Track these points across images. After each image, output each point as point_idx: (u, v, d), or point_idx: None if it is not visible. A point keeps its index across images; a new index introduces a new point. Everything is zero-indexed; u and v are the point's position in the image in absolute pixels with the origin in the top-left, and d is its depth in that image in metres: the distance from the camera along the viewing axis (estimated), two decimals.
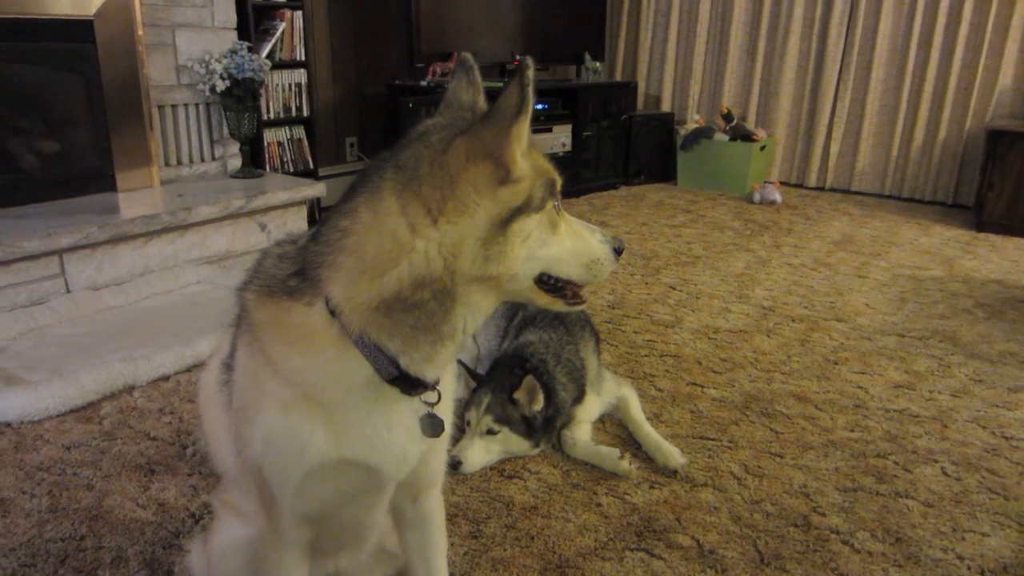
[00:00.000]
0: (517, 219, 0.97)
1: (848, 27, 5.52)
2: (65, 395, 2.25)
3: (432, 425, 1.06)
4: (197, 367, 2.55)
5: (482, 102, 1.08)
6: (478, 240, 0.95)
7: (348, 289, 0.95)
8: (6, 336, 2.68)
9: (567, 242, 1.04)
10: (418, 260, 0.94)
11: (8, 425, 2.17)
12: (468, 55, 1.10)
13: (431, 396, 1.05)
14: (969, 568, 1.68)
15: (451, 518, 1.80)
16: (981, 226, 4.69)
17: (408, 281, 0.94)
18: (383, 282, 0.94)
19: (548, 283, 1.05)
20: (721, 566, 1.67)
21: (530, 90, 0.93)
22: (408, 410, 1.05)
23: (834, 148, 5.73)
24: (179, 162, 3.91)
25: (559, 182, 1.04)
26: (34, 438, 2.11)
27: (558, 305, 1.08)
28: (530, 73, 0.92)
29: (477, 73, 1.09)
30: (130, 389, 2.41)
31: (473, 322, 1.01)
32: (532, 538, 1.75)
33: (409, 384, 1.00)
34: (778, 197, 5.35)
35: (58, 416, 2.23)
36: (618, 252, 1.10)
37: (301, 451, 1.01)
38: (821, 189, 5.86)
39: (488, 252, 0.95)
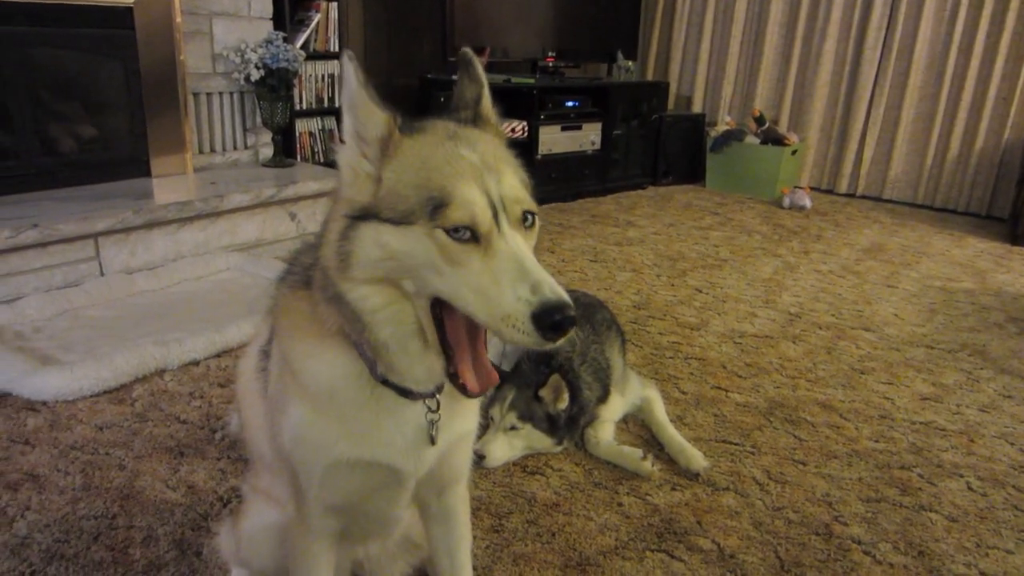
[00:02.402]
0: (369, 222, 0.90)
1: (887, 32, 5.45)
2: (99, 376, 2.30)
3: (432, 436, 1.06)
4: (227, 353, 2.59)
5: (486, 95, 1.03)
6: (337, 233, 0.92)
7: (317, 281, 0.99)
8: (42, 317, 2.74)
9: (473, 278, 0.87)
10: (324, 250, 0.96)
11: (44, 404, 2.22)
12: (466, 50, 1.04)
13: (433, 402, 1.04)
14: None
15: (474, 512, 1.81)
16: (1016, 239, 4.62)
17: (320, 275, 0.97)
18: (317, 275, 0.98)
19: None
20: (741, 571, 1.67)
21: (350, 73, 0.94)
22: (421, 411, 1.05)
23: (867, 154, 5.67)
24: (212, 150, 3.97)
25: (455, 208, 0.86)
26: (68, 417, 2.16)
27: (440, 369, 0.96)
28: (350, 66, 0.95)
29: (477, 67, 1.03)
30: (161, 372, 2.45)
31: (389, 335, 0.94)
32: (553, 535, 1.76)
33: (399, 390, 1.00)
34: (808, 202, 5.30)
35: (92, 396, 2.28)
36: (542, 322, 0.84)
37: (322, 447, 1.04)
38: (852, 196, 5.80)
39: (341, 249, 0.91)
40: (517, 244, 0.88)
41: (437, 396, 1.04)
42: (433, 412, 1.04)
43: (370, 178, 0.92)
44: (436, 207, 0.87)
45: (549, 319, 0.84)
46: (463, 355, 0.93)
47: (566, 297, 0.86)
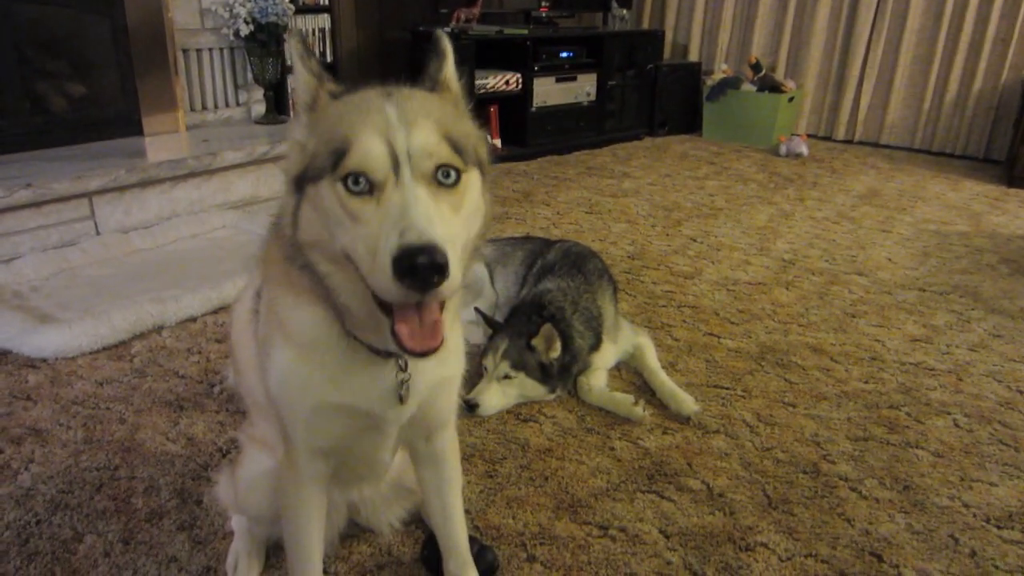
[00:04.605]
0: (305, 188, 0.91)
1: None
2: (97, 333, 2.33)
3: (400, 395, 1.07)
4: (223, 309, 2.61)
5: (448, 64, 1.04)
6: (289, 203, 0.95)
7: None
8: (39, 276, 2.76)
9: (363, 230, 0.85)
10: (284, 219, 0.99)
11: (44, 361, 2.25)
12: (438, 31, 1.06)
13: (403, 361, 1.05)
14: (975, 516, 1.71)
15: (468, 458, 1.85)
16: (1012, 181, 4.60)
17: (287, 235, 0.98)
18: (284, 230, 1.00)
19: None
20: (729, 509, 1.71)
21: (292, 48, 1.00)
22: (395, 366, 1.06)
23: (864, 100, 5.62)
24: (204, 107, 3.94)
25: (351, 156, 0.85)
26: (68, 374, 2.19)
27: (386, 325, 0.90)
28: (292, 42, 0.99)
29: (442, 41, 1.04)
30: (159, 329, 2.48)
31: (348, 298, 0.96)
32: (546, 478, 1.80)
33: (369, 347, 1.02)
34: (805, 150, 5.27)
35: (91, 353, 2.31)
36: (399, 266, 0.79)
37: (305, 391, 1.06)
38: (850, 142, 5.77)
39: (293, 216, 0.94)
40: (412, 194, 0.83)
41: (404, 359, 1.05)
42: (403, 371, 1.05)
43: (300, 146, 0.93)
44: (337, 158, 0.86)
45: (404, 262, 0.78)
46: (402, 312, 0.87)
47: (436, 241, 0.79)
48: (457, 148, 0.89)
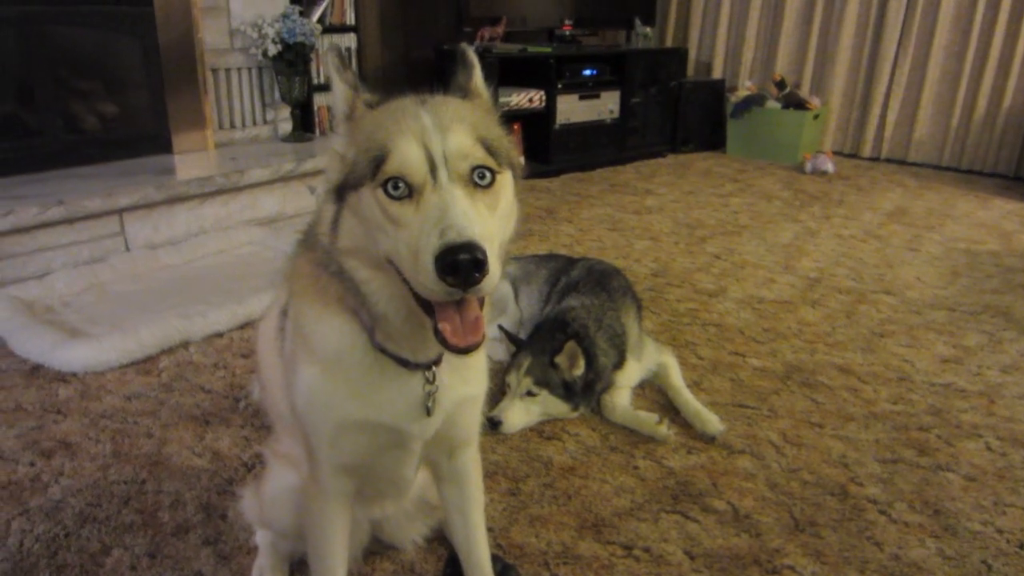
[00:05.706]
0: (346, 196, 0.94)
1: None
2: (125, 348, 2.36)
3: (428, 407, 1.08)
4: (249, 324, 2.64)
5: (477, 73, 1.07)
6: (328, 211, 0.98)
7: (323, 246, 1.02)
8: (70, 291, 2.81)
9: (405, 234, 0.87)
10: (320, 227, 1.01)
11: (74, 375, 2.28)
12: (463, 45, 1.11)
13: (430, 374, 1.06)
14: (1008, 542, 1.67)
15: (491, 476, 1.85)
16: None
17: (323, 245, 1.00)
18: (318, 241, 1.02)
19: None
20: (755, 531, 1.69)
21: (328, 61, 1.02)
22: (422, 380, 1.07)
23: (891, 117, 5.57)
24: (232, 125, 4.00)
25: (390, 162, 0.88)
26: (98, 388, 2.22)
27: (428, 325, 0.92)
28: (328, 57, 1.04)
29: (469, 53, 1.08)
30: (186, 344, 2.51)
31: (385, 305, 0.98)
32: (569, 497, 1.79)
33: (397, 360, 1.03)
34: (830, 167, 5.24)
35: (119, 368, 2.34)
36: (441, 264, 0.81)
37: (330, 407, 1.07)
38: (876, 159, 5.72)
39: (332, 224, 0.97)
40: (451, 195, 0.87)
41: (434, 368, 1.06)
42: (430, 384, 1.06)
43: (339, 156, 0.97)
44: (376, 165, 0.89)
45: (446, 259, 0.81)
46: (443, 311, 0.90)
47: (475, 239, 0.82)
48: (491, 150, 0.93)
